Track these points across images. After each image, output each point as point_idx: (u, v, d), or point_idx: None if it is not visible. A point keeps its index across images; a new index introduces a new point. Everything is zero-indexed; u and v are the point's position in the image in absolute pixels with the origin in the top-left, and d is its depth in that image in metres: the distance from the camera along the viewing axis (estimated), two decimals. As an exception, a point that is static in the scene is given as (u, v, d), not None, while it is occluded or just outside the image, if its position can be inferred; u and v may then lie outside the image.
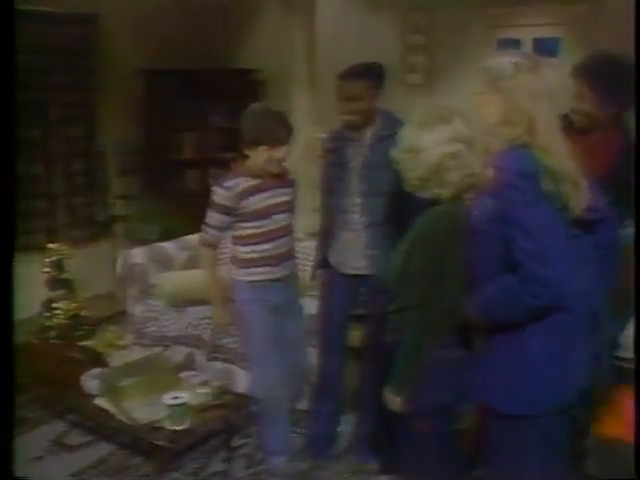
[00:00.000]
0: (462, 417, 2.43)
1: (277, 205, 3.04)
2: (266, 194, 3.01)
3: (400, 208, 2.84)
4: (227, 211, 2.98)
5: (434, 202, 2.23)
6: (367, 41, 5.61)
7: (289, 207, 3.12)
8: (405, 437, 2.37)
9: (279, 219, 3.05)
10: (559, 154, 2.06)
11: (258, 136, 2.91)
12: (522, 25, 5.38)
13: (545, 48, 5.25)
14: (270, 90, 6.14)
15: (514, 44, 5.35)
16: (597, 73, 2.53)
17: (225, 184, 2.96)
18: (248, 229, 3.01)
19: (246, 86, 6.06)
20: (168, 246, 4.48)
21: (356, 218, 3.05)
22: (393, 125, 2.95)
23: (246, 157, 3.02)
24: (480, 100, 2.18)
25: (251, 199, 2.97)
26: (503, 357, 2.14)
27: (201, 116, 6.01)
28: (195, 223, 4.76)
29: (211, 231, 3.06)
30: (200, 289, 3.98)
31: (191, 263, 4.36)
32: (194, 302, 4.08)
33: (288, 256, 3.13)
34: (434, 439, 2.32)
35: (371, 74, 2.98)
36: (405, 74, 5.67)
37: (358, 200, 3.03)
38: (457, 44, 5.44)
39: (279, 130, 2.93)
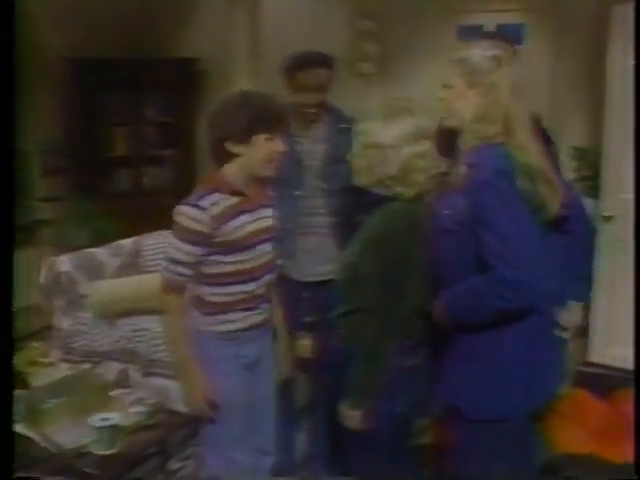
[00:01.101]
0: (421, 431, 2.45)
1: (262, 231, 2.57)
2: (249, 216, 2.52)
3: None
4: (201, 240, 2.43)
5: (390, 199, 2.25)
6: (315, 27, 5.63)
7: (274, 233, 2.66)
8: (360, 451, 2.36)
9: (265, 250, 2.58)
10: (534, 152, 2.13)
11: (255, 121, 2.39)
12: (484, 10, 5.46)
13: (509, 35, 5.33)
14: (211, 81, 6.10)
15: (476, 30, 5.42)
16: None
17: (199, 202, 2.41)
18: (226, 265, 2.49)
19: (184, 77, 6.04)
20: (99, 252, 4.39)
21: (319, 220, 3.04)
22: (344, 118, 2.98)
23: (220, 164, 2.51)
24: (453, 95, 2.20)
25: (233, 223, 2.46)
26: (474, 361, 2.19)
27: (134, 109, 5.95)
28: (128, 226, 4.75)
29: (179, 269, 2.46)
30: (135, 299, 3.95)
31: (124, 270, 4.30)
32: (128, 313, 4.02)
33: (268, 297, 2.66)
34: (391, 453, 2.33)
35: (329, 63, 3.00)
36: (356, 63, 5.70)
37: (321, 201, 3.02)
38: (412, 31, 5.50)
39: (278, 112, 2.46)
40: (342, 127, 2.93)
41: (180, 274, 2.47)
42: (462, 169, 2.13)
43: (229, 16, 5.54)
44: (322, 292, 3.06)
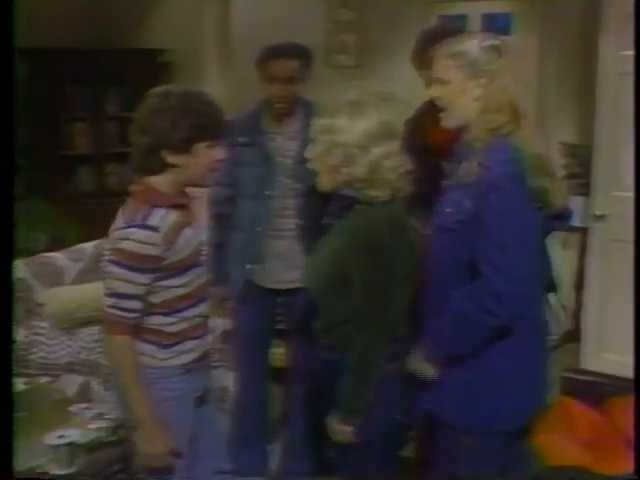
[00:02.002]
0: (411, 439, 2.46)
1: (202, 246, 2.45)
2: (191, 230, 2.37)
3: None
4: (154, 265, 2.23)
5: (363, 202, 2.26)
6: (290, 17, 5.62)
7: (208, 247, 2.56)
8: (349, 464, 2.35)
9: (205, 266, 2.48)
10: (538, 144, 2.19)
11: (196, 128, 2.23)
12: (468, -1, 5.50)
13: (495, 25, 5.36)
14: (178, 73, 6.08)
15: (459, 20, 5.44)
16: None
17: (149, 222, 2.22)
18: (178, 289, 2.32)
19: (149, 69, 6.01)
20: (58, 257, 4.37)
21: (289, 223, 3.03)
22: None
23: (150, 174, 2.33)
24: (452, 90, 2.21)
25: (180, 241, 2.29)
26: (462, 373, 2.21)
27: (95, 104, 5.94)
28: (90, 229, 4.71)
29: (130, 305, 2.24)
30: (97, 306, 3.91)
31: (85, 276, 4.27)
32: (89, 322, 3.99)
33: (212, 319, 2.58)
34: (383, 464, 2.33)
35: (302, 54, 3.01)
36: (333, 54, 5.71)
37: (291, 201, 3.01)
38: (393, 20, 5.51)
39: (220, 117, 2.32)
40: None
41: (132, 310, 2.25)
42: (472, 166, 2.15)
43: (198, 4, 5.53)
44: (294, 299, 3.04)
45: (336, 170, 2.23)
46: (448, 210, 2.19)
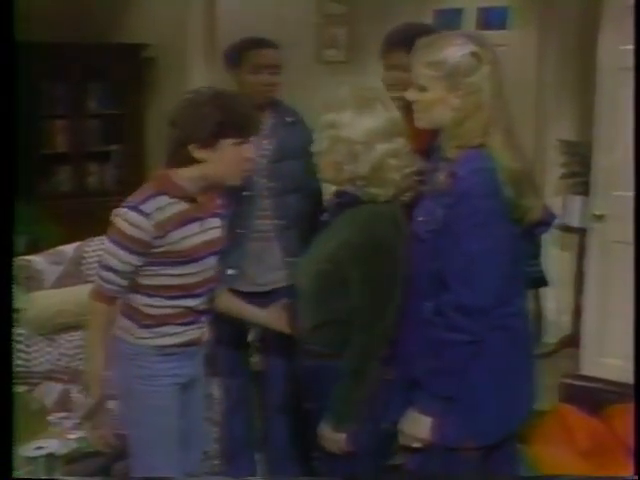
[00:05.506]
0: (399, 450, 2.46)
1: (211, 243, 2.52)
2: (199, 225, 2.47)
3: (318, 204, 2.91)
4: (141, 249, 2.36)
5: (364, 201, 2.27)
6: (279, 11, 5.63)
7: (222, 245, 2.61)
8: (335, 474, 2.35)
9: (211, 264, 2.54)
10: (519, 157, 2.16)
11: (223, 124, 2.34)
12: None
13: (492, 19, 5.40)
14: (161, 69, 6.07)
15: (455, 15, 5.47)
16: (414, 38, 2.58)
17: (142, 206, 2.35)
18: (168, 277, 2.45)
19: (131, 64, 6.01)
20: (36, 260, 4.35)
21: (266, 224, 3.06)
22: (289, 111, 3.05)
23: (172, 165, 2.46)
24: (428, 98, 2.19)
25: (181, 232, 2.41)
26: (437, 389, 2.19)
27: (76, 100, 5.92)
28: (70, 231, 4.69)
29: (112, 278, 2.40)
30: (78, 311, 3.90)
31: (66, 280, 4.26)
32: (70, 328, 3.98)
33: (207, 310, 2.64)
34: (370, 474, 2.35)
35: (276, 45, 3.11)
36: (323, 49, 5.71)
37: (267, 201, 3.05)
38: (384, 14, 5.51)
39: (249, 116, 2.44)
40: (288, 120, 3.01)
41: (113, 283, 2.41)
42: (442, 176, 2.16)
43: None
44: (271, 301, 3.04)
45: (339, 167, 2.25)
46: (421, 219, 2.21)
